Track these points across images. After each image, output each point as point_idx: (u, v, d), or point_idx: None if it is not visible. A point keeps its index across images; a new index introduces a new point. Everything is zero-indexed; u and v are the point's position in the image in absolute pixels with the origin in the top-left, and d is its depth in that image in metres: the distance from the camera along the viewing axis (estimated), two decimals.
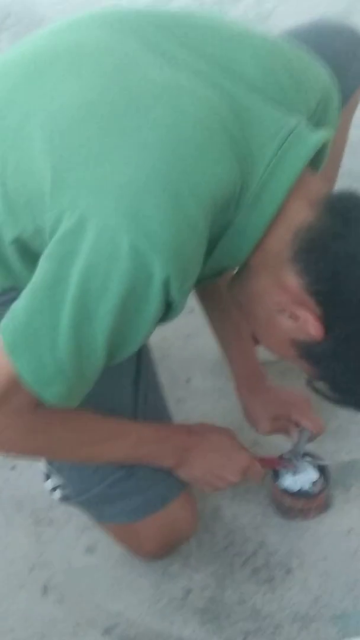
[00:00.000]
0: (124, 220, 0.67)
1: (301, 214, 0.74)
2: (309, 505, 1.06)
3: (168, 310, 0.73)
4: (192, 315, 1.37)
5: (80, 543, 1.07)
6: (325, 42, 1.02)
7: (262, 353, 1.07)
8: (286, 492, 1.05)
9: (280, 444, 1.16)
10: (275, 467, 1.07)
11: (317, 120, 0.84)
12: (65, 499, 1.02)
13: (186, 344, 1.36)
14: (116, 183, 0.68)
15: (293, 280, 0.74)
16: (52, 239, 0.70)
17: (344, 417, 1.18)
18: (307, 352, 0.77)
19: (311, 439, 1.07)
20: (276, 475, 1.07)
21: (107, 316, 0.69)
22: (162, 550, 1.02)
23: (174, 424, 1.01)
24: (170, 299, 0.71)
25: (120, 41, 0.77)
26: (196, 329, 1.37)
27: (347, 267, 0.71)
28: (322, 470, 1.07)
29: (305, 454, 1.08)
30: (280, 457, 1.07)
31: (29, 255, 0.78)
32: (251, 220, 0.74)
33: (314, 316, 0.73)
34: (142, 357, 0.97)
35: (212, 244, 0.75)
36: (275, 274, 0.76)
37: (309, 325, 0.73)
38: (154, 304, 0.70)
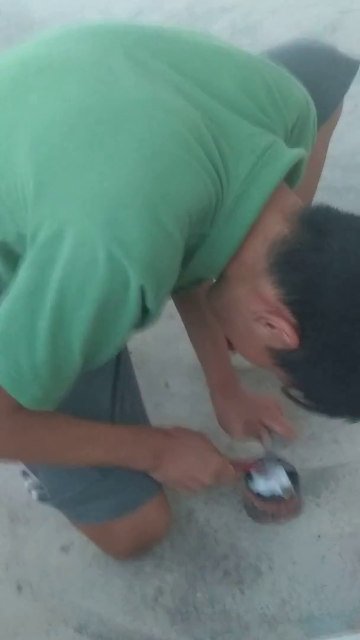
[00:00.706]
0: (101, 230, 0.69)
1: (276, 227, 0.76)
2: (280, 509, 1.09)
3: (144, 318, 0.75)
4: (172, 321, 1.39)
5: (56, 542, 1.09)
6: (306, 61, 1.05)
7: (236, 360, 1.10)
8: (258, 496, 1.08)
9: (253, 450, 1.19)
10: (247, 469, 1.09)
11: (294, 139, 0.87)
12: (42, 499, 1.04)
13: (165, 349, 1.38)
14: (95, 195, 0.70)
15: (269, 290, 0.76)
16: (32, 246, 0.72)
17: (317, 424, 1.21)
18: (282, 360, 0.79)
19: (284, 444, 1.10)
20: (249, 479, 1.09)
21: (84, 323, 0.71)
22: (136, 551, 1.05)
23: (150, 427, 1.04)
24: (146, 307, 0.73)
25: (106, 55, 0.79)
26: (175, 335, 1.40)
27: (322, 278, 0.73)
28: (293, 476, 1.10)
29: (278, 460, 1.11)
30: (253, 461, 1.10)
31: (13, 259, 0.80)
32: (226, 233, 0.76)
33: (289, 325, 0.75)
34: (120, 361, 0.99)
35: (188, 256, 0.77)
36: (251, 284, 0.78)
37: (284, 334, 0.75)
38: (130, 312, 0.72)
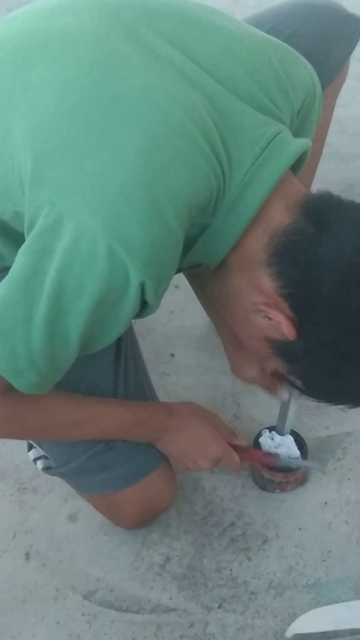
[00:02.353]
0: (102, 225, 0.67)
1: (278, 217, 0.75)
2: (287, 478, 1.09)
3: (143, 309, 0.74)
4: (177, 292, 1.38)
5: (63, 511, 1.10)
6: (310, 19, 1.02)
7: None
8: (266, 465, 1.08)
9: (260, 417, 1.19)
10: (260, 461, 1.06)
11: (300, 121, 0.85)
12: (47, 469, 1.04)
13: (171, 320, 1.37)
14: (95, 185, 0.68)
15: (267, 282, 0.75)
16: (30, 232, 0.71)
17: None
18: (281, 350, 0.79)
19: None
20: (256, 448, 1.09)
21: (81, 315, 0.70)
22: (143, 520, 1.05)
23: (155, 404, 1.02)
24: (145, 300, 0.72)
25: (110, 33, 0.76)
26: (181, 305, 1.39)
27: (319, 272, 0.72)
28: (301, 445, 1.10)
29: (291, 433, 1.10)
30: (267, 453, 1.07)
31: (10, 233, 0.79)
32: (228, 223, 0.75)
33: (286, 319, 0.74)
34: (123, 335, 0.98)
35: (189, 244, 0.76)
36: (251, 275, 0.77)
37: (282, 327, 0.75)
38: (129, 306, 0.71)
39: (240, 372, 1.07)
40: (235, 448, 1.00)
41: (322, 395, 0.81)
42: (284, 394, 1.05)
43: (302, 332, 0.75)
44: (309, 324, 0.74)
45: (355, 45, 1.09)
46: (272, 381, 1.05)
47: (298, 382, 0.83)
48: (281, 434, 1.08)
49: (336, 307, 0.72)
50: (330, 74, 1.03)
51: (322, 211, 0.74)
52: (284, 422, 1.08)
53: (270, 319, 0.76)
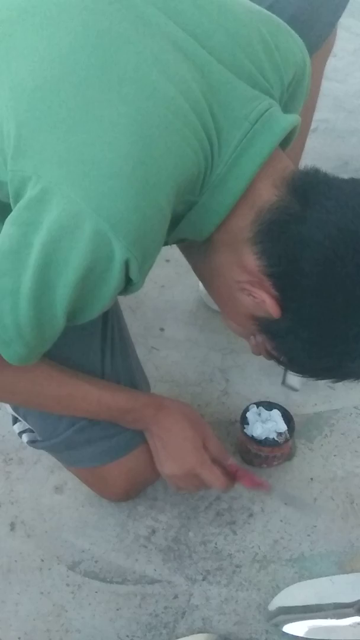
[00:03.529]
0: (88, 201, 0.66)
1: (265, 194, 0.74)
2: (274, 453, 1.09)
3: (128, 285, 0.74)
4: (168, 266, 1.37)
5: (49, 483, 1.09)
6: None
7: None
8: (253, 439, 1.08)
9: (248, 393, 1.19)
10: (248, 484, 1.00)
11: (288, 96, 0.84)
12: (32, 442, 1.03)
13: (161, 294, 1.36)
14: (83, 159, 0.66)
15: (251, 261, 0.75)
16: (17, 203, 0.70)
17: None
18: (266, 327, 0.79)
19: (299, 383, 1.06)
20: (244, 423, 1.09)
21: (66, 289, 0.70)
22: (129, 493, 1.05)
23: (147, 396, 0.98)
24: (130, 277, 0.72)
25: (97, 1, 0.73)
26: (171, 280, 1.38)
27: (303, 251, 0.71)
28: (288, 420, 1.10)
29: (276, 407, 1.10)
30: (260, 482, 1.00)
31: None
32: (215, 201, 0.74)
33: (270, 298, 0.74)
34: (109, 313, 0.97)
35: (176, 220, 0.75)
36: (236, 252, 0.76)
37: (267, 305, 0.75)
38: (113, 282, 0.70)
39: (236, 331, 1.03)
40: (226, 469, 0.96)
41: (305, 371, 0.81)
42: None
43: (286, 310, 0.74)
44: (292, 302, 0.74)
45: (343, 10, 1.07)
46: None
47: (283, 358, 0.82)
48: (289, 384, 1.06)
49: (318, 285, 0.71)
50: (319, 39, 1.01)
51: (307, 189, 0.73)
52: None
53: (254, 297, 0.76)
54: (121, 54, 0.69)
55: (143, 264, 0.71)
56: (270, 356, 0.85)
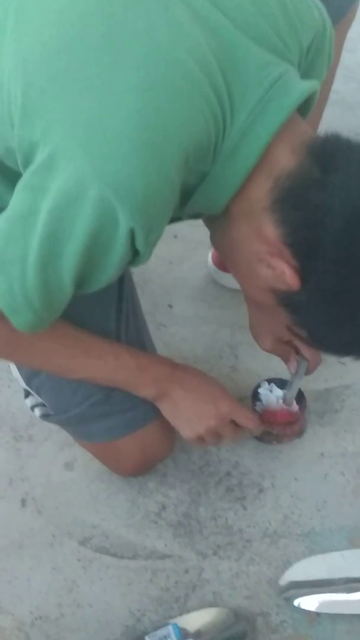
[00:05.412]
0: (94, 167, 0.65)
1: (283, 161, 0.71)
2: (284, 431, 1.09)
3: (135, 257, 0.72)
4: (176, 242, 1.36)
5: (59, 459, 1.09)
6: None
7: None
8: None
9: (258, 369, 1.18)
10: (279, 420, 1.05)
11: (309, 62, 0.81)
12: (45, 417, 1.03)
13: (169, 270, 1.35)
14: (90, 124, 0.65)
15: (271, 230, 0.72)
16: (28, 169, 0.69)
17: None
18: (286, 300, 0.77)
19: (308, 372, 1.06)
20: (256, 399, 1.09)
21: (72, 257, 0.69)
22: (140, 469, 1.05)
23: (159, 356, 1.00)
24: (136, 247, 0.70)
25: None
26: (179, 256, 1.37)
27: (323, 219, 0.69)
28: (300, 398, 1.09)
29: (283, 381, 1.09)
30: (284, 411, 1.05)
31: (5, 171, 0.77)
32: (230, 168, 0.72)
33: (289, 268, 0.72)
34: (124, 283, 0.96)
35: (187, 193, 0.73)
36: (254, 222, 0.74)
37: (286, 276, 0.73)
38: (119, 252, 0.69)
39: (257, 340, 1.07)
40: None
41: (327, 346, 0.80)
42: (293, 365, 1.04)
43: (306, 281, 0.72)
44: (312, 272, 0.72)
45: None
46: (287, 350, 1.04)
47: (303, 333, 0.80)
48: (289, 403, 1.06)
49: (340, 254, 0.69)
50: (340, 11, 0.98)
51: (329, 153, 0.71)
52: (290, 390, 1.06)
53: (273, 268, 0.74)
54: (132, 17, 0.67)
55: (149, 234, 0.69)
56: (291, 332, 0.83)
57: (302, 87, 0.73)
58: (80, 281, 0.73)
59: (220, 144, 0.71)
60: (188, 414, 0.94)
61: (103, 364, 0.91)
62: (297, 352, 1.05)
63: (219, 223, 0.81)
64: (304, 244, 0.71)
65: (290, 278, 0.72)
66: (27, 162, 0.69)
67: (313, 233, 0.70)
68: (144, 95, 0.65)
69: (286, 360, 1.06)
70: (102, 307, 0.94)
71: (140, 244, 0.69)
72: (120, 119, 0.65)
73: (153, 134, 0.65)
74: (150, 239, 0.71)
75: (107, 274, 0.73)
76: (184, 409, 0.94)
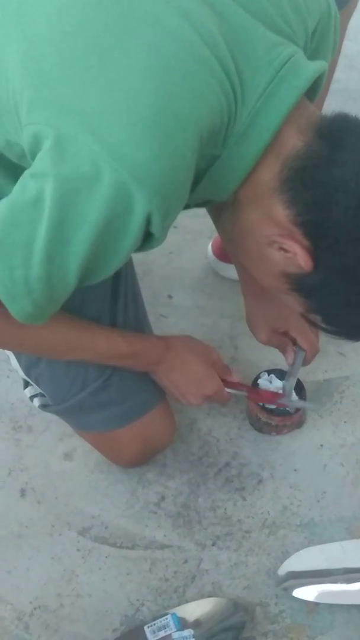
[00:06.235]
0: (108, 149, 0.63)
1: (290, 141, 0.70)
2: (284, 422, 1.09)
3: (146, 241, 0.71)
4: (176, 232, 1.35)
5: (58, 450, 1.09)
6: None
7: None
8: (263, 408, 1.07)
9: (257, 360, 1.18)
10: (267, 402, 1.06)
11: (315, 45, 0.80)
12: (44, 407, 1.03)
13: (168, 261, 1.35)
14: (102, 108, 0.64)
15: (281, 211, 0.71)
16: (35, 156, 0.67)
17: (322, 337, 1.18)
18: (298, 284, 0.76)
19: (305, 362, 1.06)
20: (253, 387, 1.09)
21: (82, 244, 0.67)
22: (140, 459, 1.05)
23: (153, 338, 1.00)
24: (151, 232, 0.69)
25: None
26: (179, 246, 1.36)
27: (334, 196, 0.68)
28: (299, 389, 1.09)
29: (281, 372, 1.09)
30: (275, 394, 1.06)
31: (5, 162, 0.76)
32: (240, 152, 0.71)
33: (301, 248, 0.71)
34: (120, 272, 0.96)
35: (197, 177, 0.72)
36: (263, 206, 0.73)
37: (298, 257, 0.71)
38: (132, 237, 0.68)
39: (253, 332, 1.07)
40: (228, 383, 1.01)
41: (344, 329, 0.78)
42: (290, 356, 1.05)
43: (318, 261, 0.71)
44: (324, 251, 0.70)
45: None
46: (283, 341, 1.05)
47: (317, 319, 0.79)
48: (288, 393, 1.07)
49: (352, 231, 0.68)
50: None
51: (337, 132, 0.69)
52: (289, 380, 1.06)
53: (285, 250, 0.73)
54: (137, 1, 0.66)
55: (166, 218, 0.68)
56: (305, 320, 0.82)
57: (312, 68, 0.72)
58: (86, 271, 0.71)
59: (231, 126, 0.70)
60: (175, 392, 0.99)
61: (94, 352, 0.90)
62: (294, 343, 1.05)
63: (227, 212, 0.80)
64: (315, 223, 0.70)
65: (303, 258, 0.71)
66: (34, 151, 0.68)
67: (324, 211, 0.69)
68: (155, 78, 0.64)
69: (283, 351, 1.06)
70: (96, 296, 0.93)
71: (156, 228, 0.68)
72: (132, 102, 0.64)
73: (167, 115, 0.64)
74: (167, 223, 0.70)
75: (115, 262, 0.71)
76: (172, 388, 0.99)
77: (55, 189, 0.65)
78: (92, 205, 0.65)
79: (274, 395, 1.06)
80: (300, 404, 1.07)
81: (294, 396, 1.07)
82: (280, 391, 1.07)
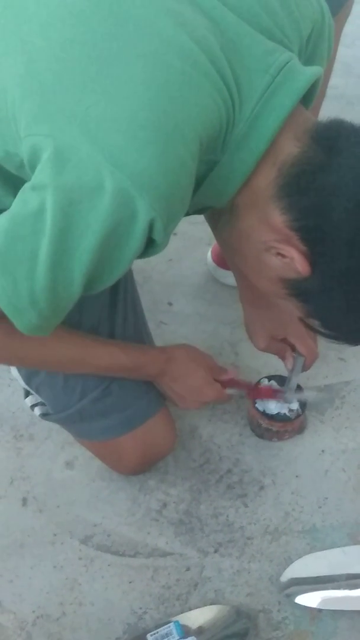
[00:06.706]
0: (109, 158, 0.64)
1: (287, 148, 0.71)
2: (285, 428, 1.09)
3: (149, 247, 0.71)
4: (175, 239, 1.36)
5: (60, 458, 1.10)
6: None
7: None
8: (264, 414, 1.07)
9: (258, 366, 1.18)
10: (267, 398, 1.07)
11: (309, 52, 0.81)
12: (44, 415, 1.03)
13: (168, 268, 1.35)
14: (101, 117, 0.64)
15: (278, 217, 0.72)
16: (35, 168, 0.67)
17: (322, 343, 1.18)
18: (296, 289, 0.76)
19: (305, 368, 1.06)
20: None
21: (86, 253, 0.68)
22: (141, 467, 1.05)
23: (154, 350, 1.00)
24: (153, 238, 0.69)
25: None
26: (179, 253, 1.37)
27: (330, 201, 0.68)
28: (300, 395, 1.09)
29: (280, 378, 1.09)
30: (274, 389, 1.07)
31: (4, 174, 0.76)
32: (237, 159, 0.71)
33: (298, 253, 0.71)
34: (120, 281, 0.96)
35: (198, 182, 0.72)
36: (261, 212, 0.73)
37: (295, 262, 0.72)
38: (135, 244, 0.68)
39: (252, 339, 1.07)
40: (227, 382, 1.02)
41: (343, 334, 0.78)
42: (289, 362, 1.05)
43: (316, 266, 0.71)
44: (322, 256, 0.71)
45: None
46: (282, 347, 1.05)
47: (316, 324, 0.79)
48: (288, 400, 1.07)
49: (350, 235, 0.68)
50: (337, 4, 0.98)
51: (333, 137, 0.70)
52: (289, 386, 1.06)
53: (282, 256, 0.73)
54: (136, 10, 0.67)
55: (169, 224, 0.68)
56: (304, 324, 0.82)
57: (308, 73, 0.72)
58: (91, 280, 0.71)
59: (230, 132, 0.70)
60: (177, 399, 1.01)
61: (95, 368, 0.92)
62: (293, 349, 1.06)
63: (225, 219, 0.80)
64: (311, 228, 0.70)
65: (300, 263, 0.71)
66: (33, 163, 0.68)
67: (320, 216, 0.69)
68: (154, 85, 0.65)
69: (282, 357, 1.07)
70: (95, 305, 0.93)
71: (158, 234, 0.68)
72: (132, 110, 0.64)
73: (167, 122, 0.65)
74: (169, 229, 0.70)
75: (119, 270, 0.72)
76: (174, 396, 1.00)
77: (57, 199, 0.65)
78: (96, 214, 0.65)
79: (273, 391, 1.06)
80: (299, 395, 1.07)
81: (293, 391, 1.07)
82: (285, 409, 1.07)
